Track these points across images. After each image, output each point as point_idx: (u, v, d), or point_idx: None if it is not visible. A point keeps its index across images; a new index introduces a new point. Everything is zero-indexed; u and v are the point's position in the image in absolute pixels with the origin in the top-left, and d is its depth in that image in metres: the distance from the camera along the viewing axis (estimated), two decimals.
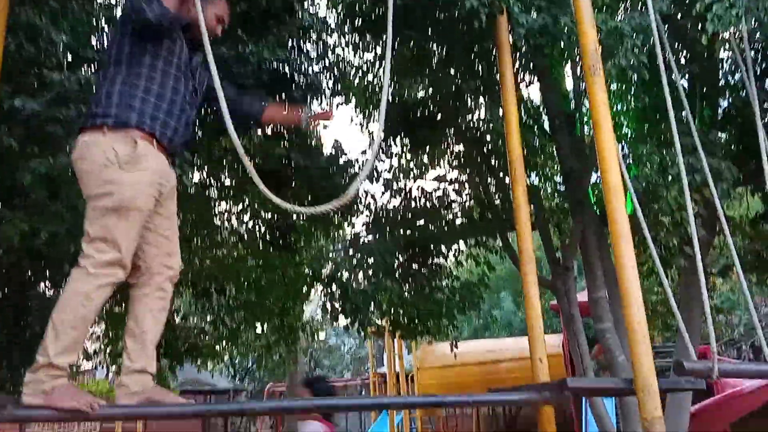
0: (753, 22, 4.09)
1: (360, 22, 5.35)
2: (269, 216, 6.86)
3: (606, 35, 4.55)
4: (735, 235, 7.28)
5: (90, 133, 2.57)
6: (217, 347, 8.68)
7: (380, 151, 7.30)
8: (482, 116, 6.79)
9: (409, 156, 7.44)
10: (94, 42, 5.09)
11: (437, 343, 13.39)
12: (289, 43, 5.95)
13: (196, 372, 12.87)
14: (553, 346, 12.95)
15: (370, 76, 7.18)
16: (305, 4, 6.08)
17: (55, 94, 3.97)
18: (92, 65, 4.96)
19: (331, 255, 6.54)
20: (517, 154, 3.96)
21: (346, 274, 5.87)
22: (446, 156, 7.52)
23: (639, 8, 4.85)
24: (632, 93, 6.60)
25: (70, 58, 4.72)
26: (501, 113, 4.59)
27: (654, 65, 5.62)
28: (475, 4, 3.88)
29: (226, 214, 7.38)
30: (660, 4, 4.55)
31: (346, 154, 6.50)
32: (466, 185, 7.36)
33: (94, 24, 5.00)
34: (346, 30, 5.94)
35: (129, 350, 2.65)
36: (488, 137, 6.82)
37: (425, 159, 7.48)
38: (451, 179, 7.51)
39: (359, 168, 6.94)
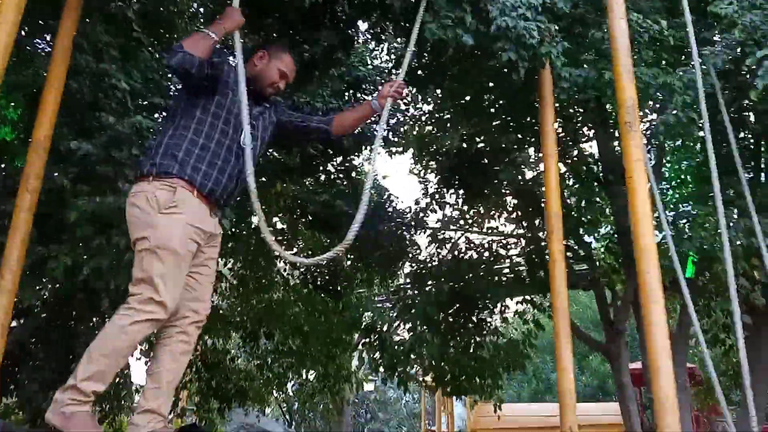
0: None
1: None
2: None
3: (656, 90, 4.43)
4: None
5: (140, 181, 2.69)
6: (264, 392, 8.67)
7: (433, 201, 7.29)
8: (535, 170, 6.68)
9: (463, 207, 7.37)
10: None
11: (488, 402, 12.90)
12: (345, 93, 6.10)
13: (244, 416, 12.91)
14: (616, 413, 12.26)
15: (427, 127, 7.24)
16: (363, 53, 6.23)
17: (107, 137, 4.17)
18: (157, 111, 5.19)
19: (372, 305, 6.48)
20: (555, 209, 3.85)
21: (385, 326, 5.77)
22: (499, 209, 7.41)
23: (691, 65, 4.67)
24: (693, 151, 6.37)
25: (130, 103, 4.94)
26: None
27: (713, 123, 5.44)
28: (513, 57, 3.84)
29: (277, 259, 7.47)
30: (715, 58, 4.39)
31: (392, 202, 6.49)
32: (516, 240, 7.20)
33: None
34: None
35: (146, 389, 2.67)
36: (541, 190, 6.68)
37: (479, 210, 7.40)
38: (501, 232, 7.38)
39: (411, 217, 6.94)
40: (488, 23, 3.62)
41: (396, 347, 5.72)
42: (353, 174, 6.58)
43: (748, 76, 4.80)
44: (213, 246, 2.89)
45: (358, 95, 6.32)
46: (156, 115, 5.03)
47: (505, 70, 4.00)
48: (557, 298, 3.66)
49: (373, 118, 3.57)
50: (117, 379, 7.39)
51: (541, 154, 6.15)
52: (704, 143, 5.70)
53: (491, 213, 7.38)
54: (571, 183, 6.98)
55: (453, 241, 6.79)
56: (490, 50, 3.88)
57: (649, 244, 3.02)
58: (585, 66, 4.43)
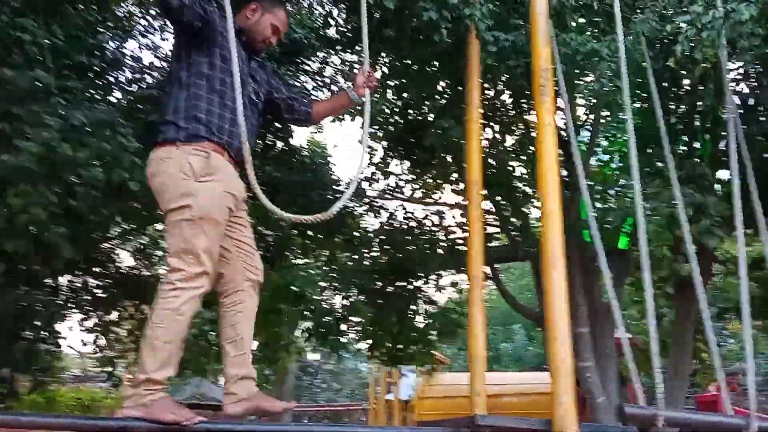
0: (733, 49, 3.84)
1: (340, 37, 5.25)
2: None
3: (584, 57, 4.37)
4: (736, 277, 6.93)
5: (163, 148, 2.62)
6: (203, 362, 8.51)
7: (378, 170, 7.19)
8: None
9: (409, 177, 7.29)
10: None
11: (445, 373, 13.07)
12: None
13: (196, 387, 12.80)
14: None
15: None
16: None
17: (6, 91, 3.95)
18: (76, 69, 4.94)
19: (299, 272, 6.39)
20: (475, 176, 3.79)
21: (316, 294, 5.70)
22: (444, 180, 7.35)
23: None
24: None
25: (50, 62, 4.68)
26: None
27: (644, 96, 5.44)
28: (434, 17, 3.74)
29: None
30: (643, 26, 4.34)
31: (331, 171, 6.38)
32: (459, 210, 7.17)
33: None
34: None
35: (230, 358, 2.67)
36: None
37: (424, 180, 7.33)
38: (444, 203, 7.34)
39: (346, 185, 6.83)
40: None
41: (327, 315, 5.65)
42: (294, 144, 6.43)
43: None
44: (245, 207, 2.87)
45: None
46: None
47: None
48: (474, 267, 3.62)
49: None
50: (47, 347, 7.20)
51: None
52: (642, 114, 5.75)
53: (437, 183, 7.33)
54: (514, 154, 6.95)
55: (391, 211, 6.70)
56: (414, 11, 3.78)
57: (554, 209, 2.99)
58: (514, 30, 4.34)
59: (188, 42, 2.72)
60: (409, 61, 4.87)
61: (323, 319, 5.73)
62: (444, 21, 3.78)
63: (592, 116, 6.37)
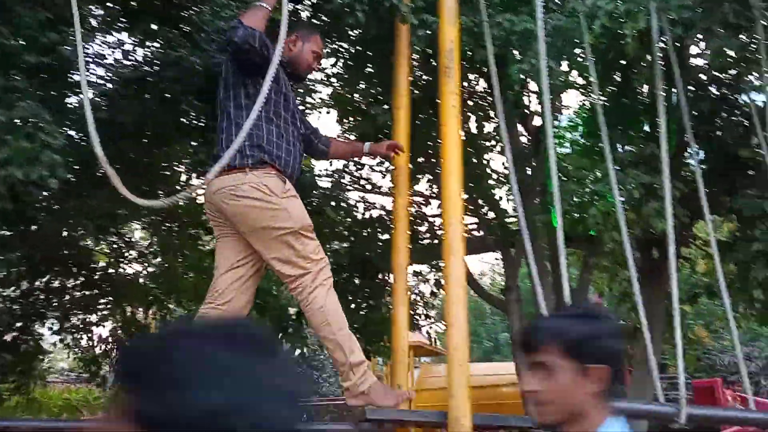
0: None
1: None
2: None
3: (519, 37, 4.26)
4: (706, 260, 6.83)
5: (229, 174, 2.77)
6: None
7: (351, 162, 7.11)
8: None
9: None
10: None
11: (442, 364, 12.98)
12: None
13: None
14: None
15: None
16: None
17: None
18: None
19: None
20: (402, 162, 3.72)
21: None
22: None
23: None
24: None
25: None
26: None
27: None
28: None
29: None
30: (576, 3, 4.22)
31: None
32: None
33: None
34: None
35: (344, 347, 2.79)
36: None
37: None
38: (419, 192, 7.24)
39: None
40: None
41: (284, 309, 5.60)
42: None
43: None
44: None
45: None
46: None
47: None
48: (397, 255, 3.54)
49: None
50: (27, 347, 7.25)
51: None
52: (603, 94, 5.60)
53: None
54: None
55: (353, 203, 6.62)
56: None
57: (454, 194, 2.91)
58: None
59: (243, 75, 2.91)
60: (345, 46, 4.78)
61: (285, 314, 5.67)
62: (360, 4, 3.69)
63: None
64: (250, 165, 2.79)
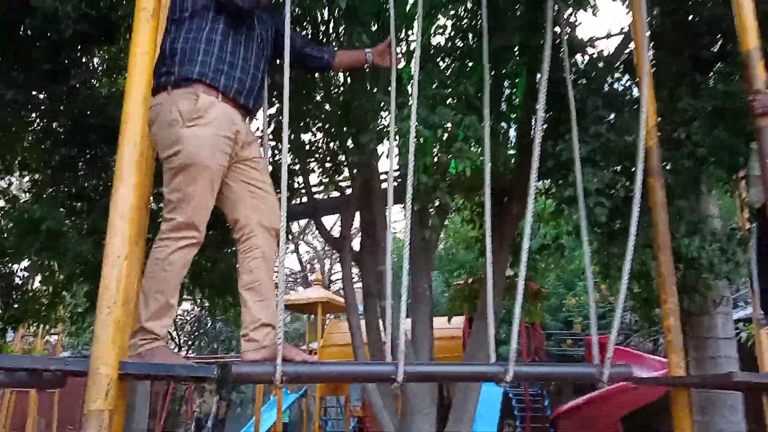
0: None
1: None
2: None
3: None
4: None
5: (158, 95, 2.52)
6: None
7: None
8: None
9: None
10: None
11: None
12: None
13: None
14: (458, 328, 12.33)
15: None
16: None
17: None
18: None
19: None
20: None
21: None
22: None
23: None
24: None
25: None
26: None
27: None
28: None
29: None
30: None
31: None
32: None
33: None
34: None
35: (250, 304, 2.59)
36: None
37: None
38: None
39: None
40: None
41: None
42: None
43: None
44: (256, 150, 2.74)
45: None
46: None
47: None
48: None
49: None
50: None
51: None
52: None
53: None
54: None
55: None
56: None
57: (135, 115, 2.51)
58: None
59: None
60: None
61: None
62: None
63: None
64: (172, 83, 2.51)
